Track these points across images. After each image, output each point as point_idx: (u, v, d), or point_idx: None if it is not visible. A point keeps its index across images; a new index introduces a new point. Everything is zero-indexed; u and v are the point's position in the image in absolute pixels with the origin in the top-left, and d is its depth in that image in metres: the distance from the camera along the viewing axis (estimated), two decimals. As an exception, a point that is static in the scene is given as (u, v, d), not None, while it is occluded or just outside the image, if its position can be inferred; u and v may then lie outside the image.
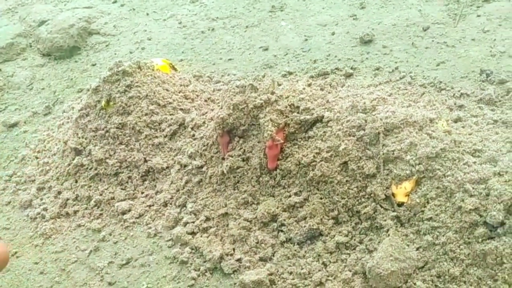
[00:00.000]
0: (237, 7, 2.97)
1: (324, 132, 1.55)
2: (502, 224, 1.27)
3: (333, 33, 2.50)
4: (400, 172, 1.41)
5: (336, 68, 2.21)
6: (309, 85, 1.93)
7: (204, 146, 1.76)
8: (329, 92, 1.94)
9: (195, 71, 2.44)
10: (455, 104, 1.84)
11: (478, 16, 2.46)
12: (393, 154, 1.42)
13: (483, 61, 2.12)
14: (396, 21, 2.54)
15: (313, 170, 1.51)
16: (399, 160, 1.42)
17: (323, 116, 1.57)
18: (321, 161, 1.50)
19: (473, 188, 1.33)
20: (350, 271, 1.38)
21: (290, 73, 2.25)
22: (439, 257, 1.33)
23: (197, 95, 2.09)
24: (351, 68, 2.20)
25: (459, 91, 1.94)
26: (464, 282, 1.28)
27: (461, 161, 1.40)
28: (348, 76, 2.16)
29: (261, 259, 1.50)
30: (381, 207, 1.43)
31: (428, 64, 2.18)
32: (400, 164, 1.42)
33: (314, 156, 1.52)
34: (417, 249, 1.36)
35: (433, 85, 2.02)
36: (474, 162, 1.40)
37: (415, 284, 1.30)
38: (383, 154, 1.43)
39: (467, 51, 2.22)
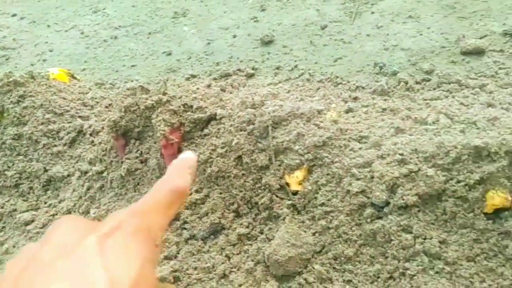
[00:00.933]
0: (140, 15, 2.96)
1: (218, 129, 1.56)
2: (387, 203, 1.33)
3: (234, 36, 2.54)
4: (290, 162, 1.45)
5: (238, 69, 2.24)
6: (209, 86, 1.95)
7: (103, 151, 1.74)
8: (230, 92, 1.96)
9: (97, 79, 2.40)
10: (350, 96, 1.91)
11: (373, 13, 2.58)
12: (282, 145, 1.46)
13: (377, 55, 2.23)
14: (296, 21, 2.61)
15: (210, 166, 1.53)
16: (288, 150, 1.46)
17: (216, 114, 1.59)
18: (217, 157, 1.52)
19: (359, 172, 1.38)
20: (253, 261, 1.40)
21: (194, 76, 2.26)
22: (334, 240, 1.37)
23: (97, 102, 2.06)
24: (252, 69, 2.24)
25: (354, 84, 2.02)
26: (359, 261, 1.33)
27: (347, 148, 1.45)
28: (250, 76, 2.20)
29: (166, 258, 1.49)
30: (277, 196, 1.47)
31: (326, 61, 2.26)
32: (290, 154, 1.46)
33: (210, 153, 1.54)
34: (314, 234, 1.40)
35: (330, 80, 2.09)
36: (360, 148, 1.46)
37: (313, 268, 1.34)
38: (273, 146, 1.46)
39: (362, 47, 2.32)
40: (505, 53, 2.06)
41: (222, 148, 1.52)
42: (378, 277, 1.29)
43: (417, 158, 1.34)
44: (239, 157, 1.51)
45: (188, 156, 0.66)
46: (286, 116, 1.50)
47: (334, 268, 1.34)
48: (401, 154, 1.37)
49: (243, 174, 1.50)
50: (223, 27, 2.66)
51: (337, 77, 2.10)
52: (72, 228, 0.50)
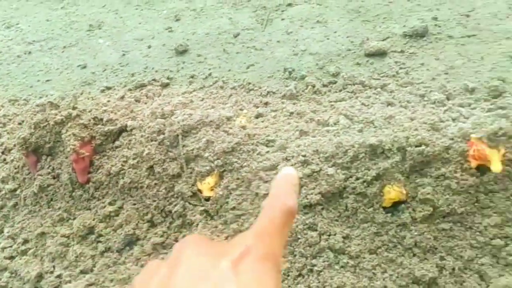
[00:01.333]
0: (54, 29, 2.91)
1: (130, 140, 1.59)
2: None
3: (149, 46, 2.56)
4: (201, 169, 1.49)
5: (153, 79, 2.26)
6: (122, 97, 1.96)
7: (15, 169, 1.71)
8: (145, 103, 1.98)
9: (10, 95, 2.35)
10: (261, 101, 1.98)
11: (283, 19, 2.68)
12: (193, 153, 1.50)
13: (287, 60, 2.31)
14: (209, 30, 2.66)
15: (123, 178, 1.55)
16: (199, 158, 1.51)
17: (127, 125, 1.61)
18: (129, 168, 1.54)
19: (266, 175, 1.45)
20: (167, 269, 1.43)
21: (109, 88, 2.26)
22: (246, 242, 1.42)
23: (10, 119, 2.02)
24: (167, 78, 2.27)
25: (265, 89, 2.09)
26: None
27: (255, 152, 1.52)
28: (165, 86, 2.22)
29: (82, 272, 1.50)
30: (190, 204, 1.51)
31: (239, 68, 2.32)
32: (200, 161, 1.50)
33: (122, 165, 1.56)
34: (226, 238, 1.45)
35: (243, 87, 2.15)
36: (267, 152, 1.52)
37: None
38: (184, 154, 1.51)
39: (273, 53, 2.40)
40: (405, 54, 2.20)
41: (133, 159, 1.55)
42: (288, 275, 1.35)
43: (319, 158, 1.43)
44: (151, 167, 1.54)
45: (290, 173, 0.65)
46: (195, 124, 1.55)
47: (246, 268, 1.40)
48: (304, 156, 1.45)
49: (155, 184, 1.54)
50: (138, 38, 2.67)
51: (249, 83, 2.17)
52: (201, 251, 0.50)
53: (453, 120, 1.47)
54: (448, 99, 1.80)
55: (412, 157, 1.31)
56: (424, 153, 1.31)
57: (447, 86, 1.89)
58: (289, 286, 1.32)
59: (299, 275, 1.34)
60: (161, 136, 1.54)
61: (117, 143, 1.61)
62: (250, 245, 0.50)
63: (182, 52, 2.47)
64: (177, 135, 1.52)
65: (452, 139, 1.33)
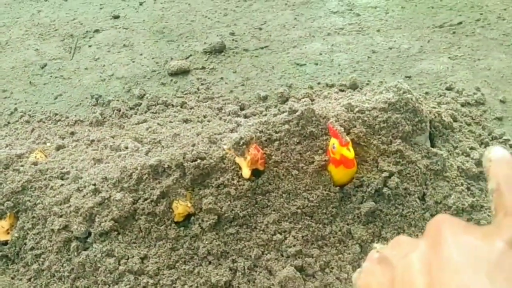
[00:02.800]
0: None
1: None
2: (90, 233, 1.41)
3: None
4: (-11, 213, 1.45)
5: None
6: None
7: None
8: None
9: None
10: (67, 132, 1.96)
11: (90, 46, 2.67)
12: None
13: (94, 87, 2.31)
14: (15, 64, 2.57)
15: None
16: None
17: None
18: None
19: (59, 209, 1.45)
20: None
21: None
22: (49, 280, 1.41)
23: None
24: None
25: (73, 119, 2.07)
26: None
27: (48, 187, 1.51)
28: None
29: None
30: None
31: (47, 99, 2.27)
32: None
33: None
34: (29, 280, 1.42)
35: (50, 118, 2.11)
36: (62, 185, 1.52)
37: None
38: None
39: (81, 80, 2.38)
40: (207, 70, 2.31)
41: None
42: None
43: (107, 185, 1.45)
44: None
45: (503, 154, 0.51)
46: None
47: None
48: (94, 184, 1.47)
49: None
50: None
51: (56, 114, 2.13)
52: (463, 230, 0.44)
53: (231, 131, 1.59)
54: (241, 109, 1.93)
55: (191, 172, 1.39)
56: (201, 166, 1.39)
57: (241, 97, 2.03)
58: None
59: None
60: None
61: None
62: None
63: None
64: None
65: (224, 150, 1.43)
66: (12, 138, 1.94)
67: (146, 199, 1.41)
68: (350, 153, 1.33)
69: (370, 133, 1.46)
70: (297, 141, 1.45)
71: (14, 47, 2.75)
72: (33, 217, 1.47)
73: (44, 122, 2.10)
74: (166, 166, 1.41)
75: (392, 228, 1.40)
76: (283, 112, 1.69)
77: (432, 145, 1.57)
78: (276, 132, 1.46)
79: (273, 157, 1.41)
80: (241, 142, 1.35)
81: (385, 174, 1.41)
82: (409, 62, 2.18)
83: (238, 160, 1.36)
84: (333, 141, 1.36)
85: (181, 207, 1.40)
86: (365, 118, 1.47)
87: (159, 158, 1.42)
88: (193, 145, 1.46)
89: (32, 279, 1.42)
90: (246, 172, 1.34)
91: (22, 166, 1.55)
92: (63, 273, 1.40)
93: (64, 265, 1.41)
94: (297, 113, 1.46)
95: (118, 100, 2.16)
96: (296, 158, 1.43)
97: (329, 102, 1.70)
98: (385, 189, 1.40)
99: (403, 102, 1.48)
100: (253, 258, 1.38)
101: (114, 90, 2.26)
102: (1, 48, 2.75)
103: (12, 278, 1.42)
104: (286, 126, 1.46)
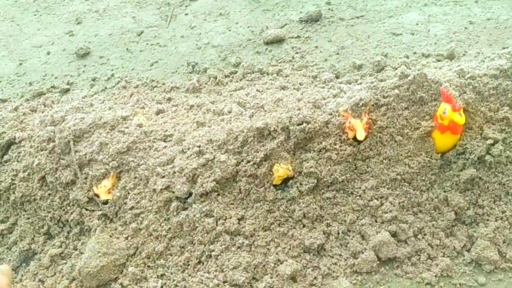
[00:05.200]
0: None
1: (19, 152, 1.54)
2: (190, 194, 1.40)
3: (48, 53, 2.48)
4: (96, 172, 1.47)
5: (52, 87, 2.19)
6: (16, 109, 1.88)
7: None
8: (42, 111, 1.91)
9: None
10: (164, 98, 1.96)
11: (186, 14, 2.66)
12: (86, 157, 1.47)
13: (190, 55, 2.31)
14: (112, 31, 2.62)
15: (14, 193, 1.50)
16: (93, 161, 1.48)
17: (15, 138, 1.56)
18: (20, 181, 1.49)
19: (163, 169, 1.44)
20: (67, 279, 1.39)
21: (4, 101, 2.16)
22: (146, 239, 1.42)
23: None
24: (68, 84, 2.20)
25: (169, 85, 2.08)
26: (170, 254, 1.39)
27: (152, 149, 1.51)
28: (65, 92, 2.16)
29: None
30: (87, 209, 1.48)
31: (143, 66, 2.29)
32: (94, 165, 1.48)
33: (12, 179, 1.51)
34: (126, 238, 1.43)
35: (146, 85, 2.13)
36: (165, 147, 1.52)
37: (128, 271, 1.37)
38: (77, 160, 1.47)
39: (177, 48, 2.38)
40: (301, 38, 2.24)
41: (24, 171, 1.50)
42: (188, 265, 1.35)
43: (212, 147, 1.44)
44: (43, 177, 1.49)
45: None
46: (87, 128, 1.52)
47: (148, 266, 1.38)
48: (199, 146, 1.45)
49: (49, 194, 1.50)
50: (36, 45, 2.58)
51: (153, 80, 2.15)
52: None
53: (334, 96, 1.53)
54: (337, 77, 1.88)
55: (296, 135, 1.36)
56: (306, 130, 1.36)
57: (336, 66, 1.97)
58: (189, 275, 1.33)
59: (199, 262, 1.36)
60: (51, 144, 1.50)
61: (6, 157, 1.55)
62: None
63: (83, 55, 2.41)
64: (68, 141, 1.48)
65: (330, 114, 1.38)
66: (111, 102, 1.96)
67: (249, 161, 1.39)
68: (461, 119, 1.29)
69: (479, 99, 1.40)
70: (405, 106, 1.40)
71: (112, 14, 2.79)
72: (135, 177, 1.47)
73: (140, 88, 2.12)
74: (272, 129, 1.38)
75: (489, 196, 1.37)
76: (381, 80, 1.62)
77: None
78: (385, 97, 1.40)
79: (378, 122, 1.37)
80: (360, 104, 1.30)
81: (489, 141, 1.36)
82: (507, 34, 2.07)
83: (354, 121, 1.31)
84: (444, 106, 1.31)
85: (282, 170, 1.38)
86: (476, 84, 1.40)
87: (265, 121, 1.38)
88: (298, 109, 1.41)
89: (129, 238, 1.43)
90: (361, 134, 1.31)
91: (127, 128, 1.56)
92: (160, 232, 1.40)
93: (162, 224, 1.41)
94: (409, 78, 1.40)
95: (214, 68, 2.14)
96: (401, 124, 1.38)
97: (440, 69, 1.60)
98: (487, 157, 1.35)
99: (515, 69, 1.40)
100: (347, 222, 1.36)
101: (210, 58, 2.24)
102: (99, 15, 2.80)
103: (110, 236, 1.43)
104: (396, 91, 1.40)
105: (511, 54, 1.44)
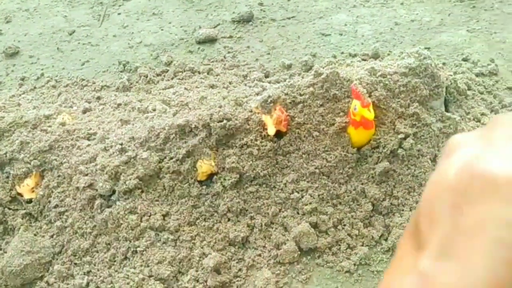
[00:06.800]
0: None
1: None
2: (114, 191, 1.41)
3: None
4: (17, 171, 1.46)
5: (-23, 87, 2.14)
6: None
7: None
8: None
9: None
10: (93, 97, 1.95)
11: (119, 14, 2.65)
12: (6, 156, 1.46)
13: (122, 54, 2.30)
14: (43, 30, 2.57)
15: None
16: (14, 160, 1.47)
17: None
18: None
19: (85, 167, 1.45)
20: (-10, 280, 1.37)
21: None
22: (71, 237, 1.42)
23: None
24: (-5, 83, 2.16)
25: (99, 84, 2.07)
26: (96, 251, 1.40)
27: (74, 147, 1.51)
28: (-10, 92, 2.11)
29: None
30: (10, 209, 1.46)
31: (74, 65, 2.27)
32: (16, 164, 1.47)
33: None
34: (51, 236, 1.43)
35: (77, 84, 2.11)
36: (88, 145, 1.52)
37: (53, 269, 1.36)
38: (-3, 158, 1.46)
39: (109, 47, 2.37)
40: (234, 38, 2.28)
41: None
42: (114, 261, 1.37)
43: (134, 144, 1.45)
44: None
45: None
46: (8, 127, 1.51)
47: (74, 263, 1.39)
48: (121, 144, 1.46)
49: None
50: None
51: (83, 79, 2.13)
52: None
53: (256, 94, 1.57)
54: (266, 76, 1.93)
55: (217, 132, 1.39)
56: (227, 126, 1.39)
57: (266, 66, 2.03)
58: (115, 271, 1.34)
59: (125, 258, 1.37)
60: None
61: None
62: None
63: (12, 54, 2.37)
64: (-13, 141, 1.47)
65: (251, 111, 1.42)
66: (39, 101, 1.94)
67: (171, 158, 1.41)
68: (370, 114, 1.35)
69: (390, 96, 1.47)
70: (320, 103, 1.45)
71: (43, 13, 2.74)
72: (59, 175, 1.47)
73: (70, 87, 2.10)
74: (193, 126, 1.41)
75: (403, 187, 1.44)
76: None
77: (446, 110, 1.59)
78: (301, 95, 1.46)
79: (296, 119, 1.42)
80: (269, 100, 1.35)
81: (401, 135, 1.43)
82: (429, 34, 2.19)
83: (264, 118, 1.36)
84: (355, 103, 1.37)
85: (205, 166, 1.41)
86: (386, 82, 1.47)
87: (186, 118, 1.41)
88: (220, 107, 1.45)
89: (54, 236, 1.43)
90: (271, 130, 1.36)
91: (49, 126, 1.56)
92: (85, 229, 1.41)
93: (87, 222, 1.42)
94: (322, 76, 1.46)
95: (145, 67, 2.15)
96: (318, 120, 1.43)
97: (352, 68, 1.68)
98: (400, 150, 1.42)
99: (423, 67, 1.49)
100: (270, 215, 1.40)
101: (141, 57, 2.25)
102: (30, 14, 2.75)
103: (35, 235, 1.43)
104: (311, 89, 1.45)
105: (419, 53, 1.52)
